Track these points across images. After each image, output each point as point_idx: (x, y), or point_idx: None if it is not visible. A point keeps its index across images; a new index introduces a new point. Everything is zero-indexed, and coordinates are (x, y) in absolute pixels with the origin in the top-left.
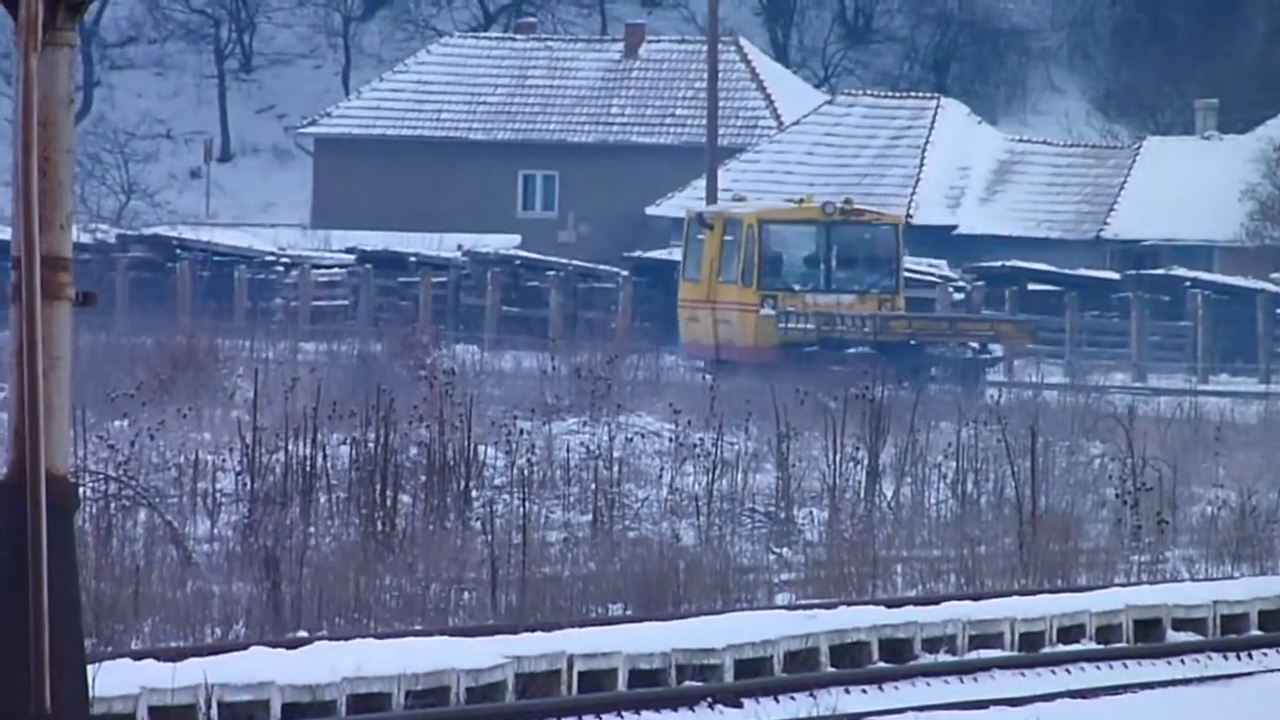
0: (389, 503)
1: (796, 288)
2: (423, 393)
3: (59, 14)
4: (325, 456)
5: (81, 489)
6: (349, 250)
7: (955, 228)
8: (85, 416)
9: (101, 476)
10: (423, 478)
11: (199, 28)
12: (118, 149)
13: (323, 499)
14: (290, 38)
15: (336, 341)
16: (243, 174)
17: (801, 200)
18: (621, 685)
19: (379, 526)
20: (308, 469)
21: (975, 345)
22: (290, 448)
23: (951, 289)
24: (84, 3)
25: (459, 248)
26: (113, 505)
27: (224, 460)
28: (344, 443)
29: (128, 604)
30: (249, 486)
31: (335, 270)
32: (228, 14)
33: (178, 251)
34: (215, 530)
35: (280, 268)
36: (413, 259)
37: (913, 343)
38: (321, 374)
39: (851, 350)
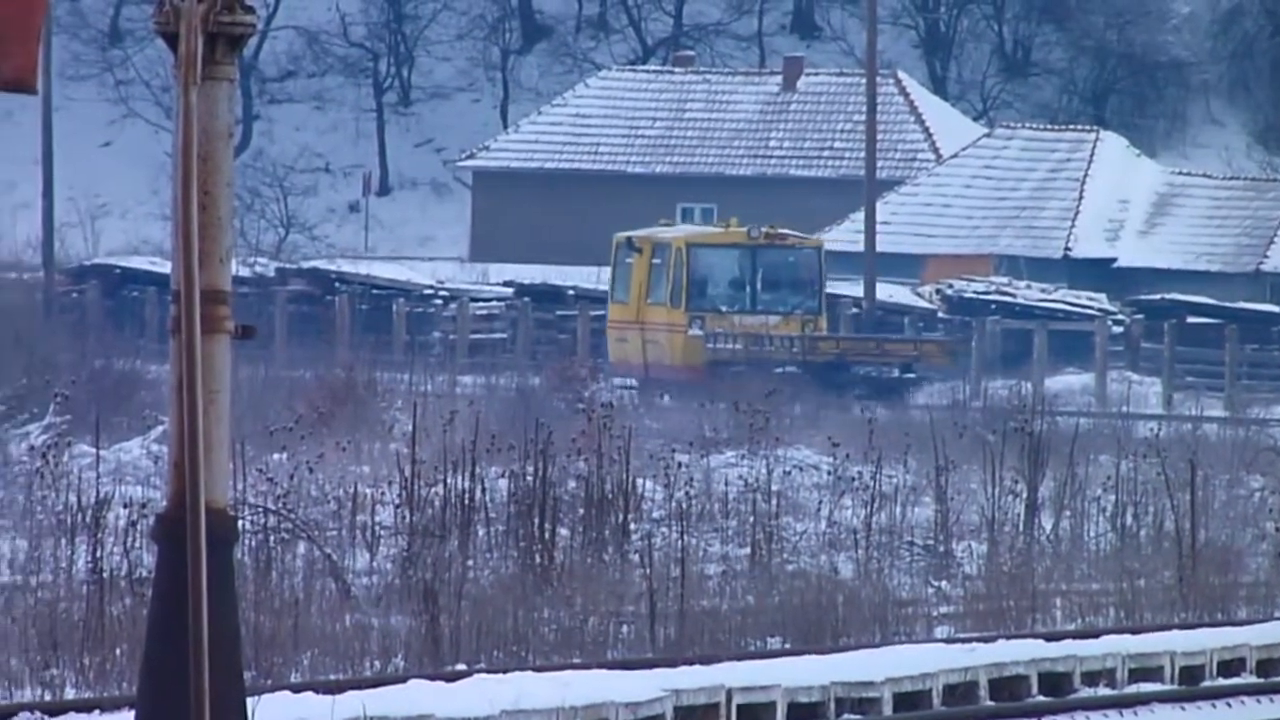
0: (547, 536)
1: (723, 309)
2: (581, 426)
3: (218, 48)
4: (484, 490)
5: (241, 522)
6: (506, 283)
7: (1114, 261)
8: (245, 450)
9: (261, 510)
10: (581, 511)
11: (358, 61)
12: (277, 183)
13: (481, 532)
14: (449, 71)
15: (494, 375)
16: (401, 207)
17: (728, 224)
18: (780, 719)
19: (537, 559)
20: (466, 502)
21: (898, 366)
22: (449, 481)
23: (1110, 322)
24: (243, 37)
25: None
26: (272, 538)
27: (383, 493)
28: (502, 476)
29: (287, 637)
30: (408, 519)
31: (493, 303)
32: (386, 48)
33: (336, 285)
34: (374, 563)
35: (438, 301)
36: (570, 292)
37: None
38: (480, 407)
39: (778, 370)
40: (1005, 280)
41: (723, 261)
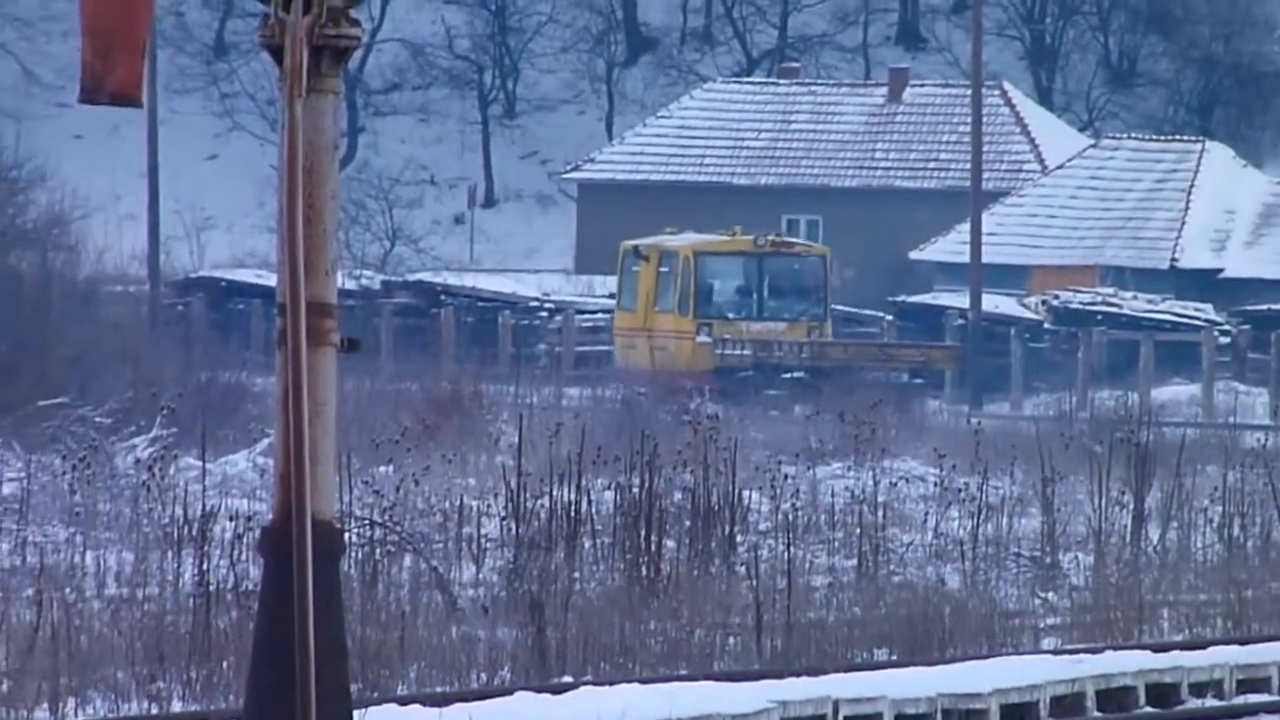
0: (653, 548)
1: (730, 316)
2: (687, 438)
3: (323, 61)
4: (590, 501)
5: (347, 534)
6: (612, 295)
7: (1221, 271)
8: (351, 462)
9: (367, 522)
10: (687, 523)
11: (462, 74)
12: (382, 195)
13: (587, 544)
14: (554, 84)
15: (600, 386)
16: (506, 219)
17: (734, 232)
18: None
19: (643, 571)
20: (572, 514)
21: (907, 371)
22: (555, 493)
23: (1217, 332)
24: (348, 50)
25: None
26: (378, 551)
27: (489, 505)
28: (608, 488)
29: (393, 649)
30: (514, 532)
31: (599, 315)
32: (491, 60)
33: (442, 297)
34: (480, 575)
35: (544, 313)
36: None
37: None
38: (585, 419)
39: (786, 375)
40: (1111, 291)
41: (729, 269)
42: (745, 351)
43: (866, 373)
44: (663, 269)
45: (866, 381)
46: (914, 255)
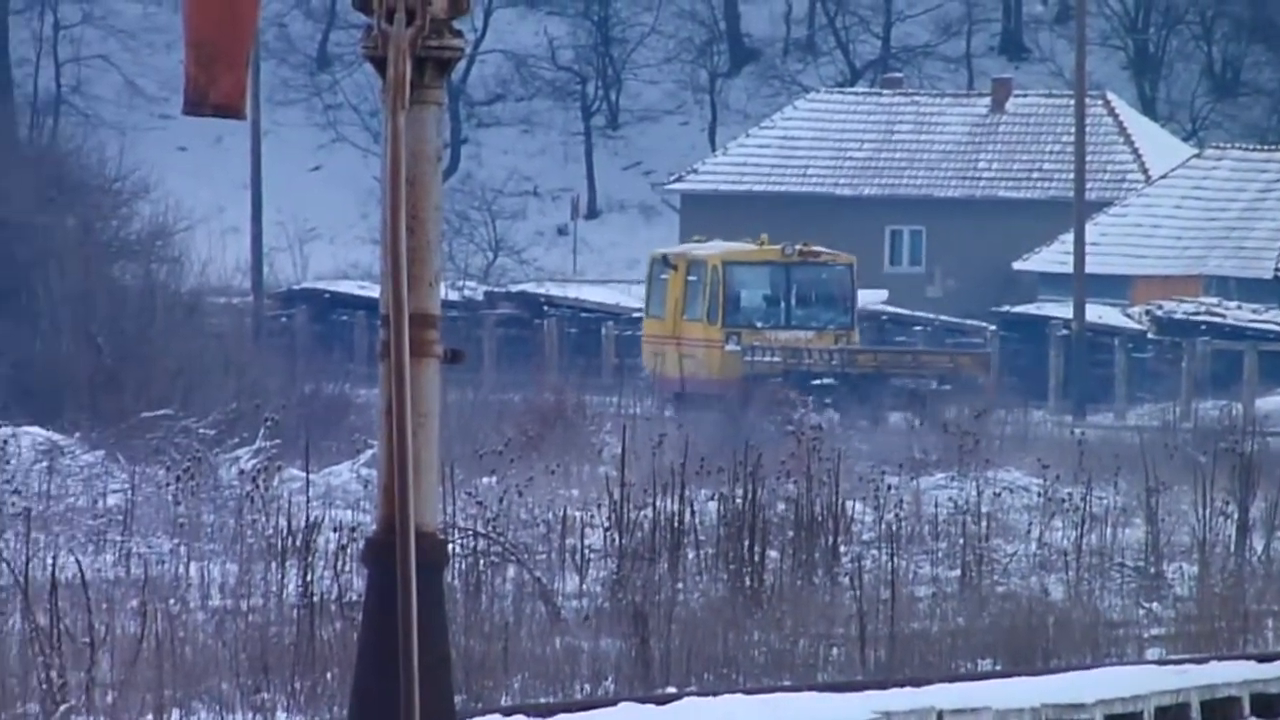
0: (757, 558)
1: (758, 324)
2: (790, 448)
3: (426, 72)
4: (693, 512)
5: (450, 545)
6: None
7: None
8: (454, 474)
9: (470, 533)
10: (790, 533)
11: (565, 85)
12: (485, 206)
13: (691, 554)
14: (657, 94)
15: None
16: (609, 230)
17: (761, 242)
18: None
19: (747, 582)
20: (676, 525)
21: (935, 378)
22: (658, 504)
23: None
24: (451, 61)
25: None
26: (482, 562)
27: (592, 516)
28: (712, 498)
29: (497, 660)
30: (617, 542)
31: None
32: (594, 71)
33: (545, 308)
34: (584, 586)
35: None
36: None
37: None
38: (689, 430)
39: (816, 382)
40: (1215, 301)
41: (757, 278)
42: (775, 359)
43: (896, 379)
44: (691, 278)
45: (894, 388)
46: (1017, 266)
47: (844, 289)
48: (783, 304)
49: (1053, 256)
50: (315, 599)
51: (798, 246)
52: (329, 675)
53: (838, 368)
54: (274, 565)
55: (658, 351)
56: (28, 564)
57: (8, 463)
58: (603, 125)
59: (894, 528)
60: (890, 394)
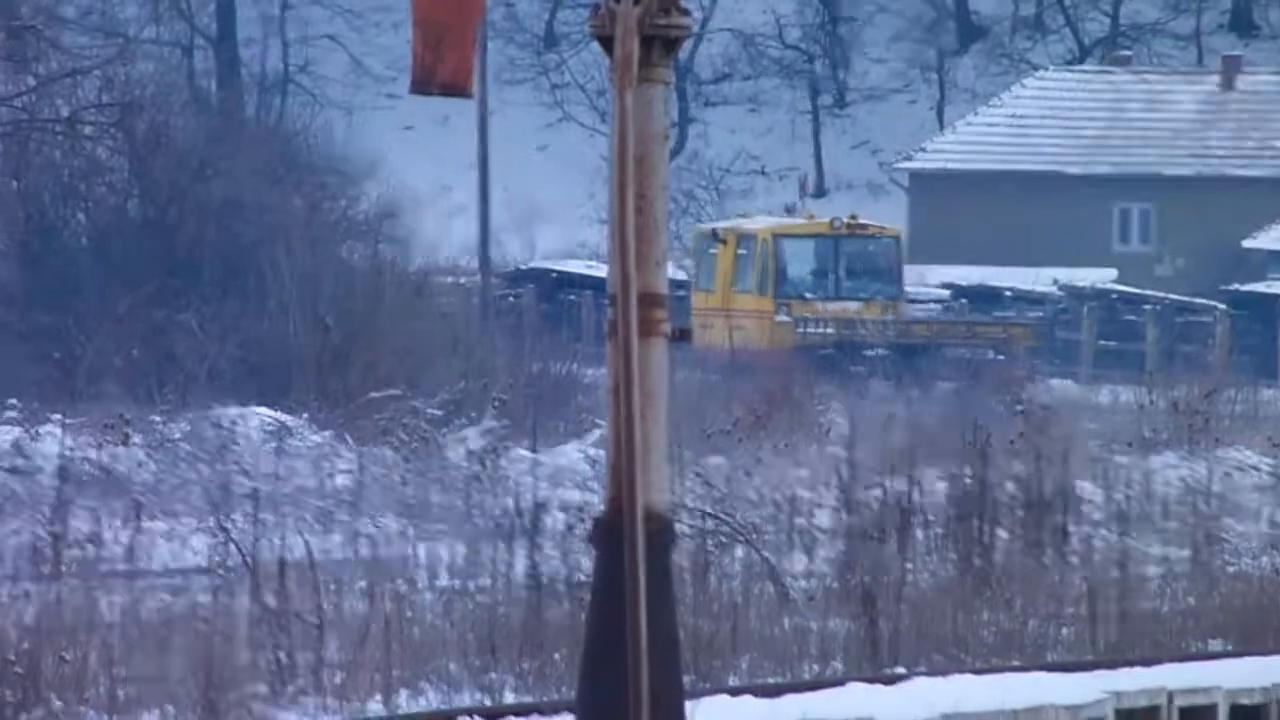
0: (986, 538)
1: (808, 295)
2: (1019, 428)
3: (654, 51)
4: (922, 492)
5: (679, 525)
6: (944, 285)
7: None
8: (682, 454)
9: (699, 513)
10: (1019, 513)
11: (793, 63)
12: (712, 185)
13: (919, 534)
14: (884, 73)
15: (930, 376)
16: (837, 209)
17: (810, 215)
18: None
19: (976, 562)
20: (904, 505)
21: (990, 348)
22: (887, 484)
23: None
24: (678, 40)
25: (1054, 282)
26: (710, 542)
27: (820, 496)
28: (940, 478)
29: (725, 640)
30: (845, 522)
31: (930, 305)
32: (822, 50)
33: None
34: (812, 566)
35: None
36: (1008, 293)
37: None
38: (917, 409)
39: (869, 352)
40: None
41: (806, 251)
42: (828, 330)
43: (950, 350)
44: (741, 251)
45: (950, 359)
46: (1247, 244)
47: (890, 260)
48: (831, 275)
49: None
50: (543, 579)
51: (845, 219)
52: (556, 656)
53: (891, 338)
54: (501, 545)
55: (706, 324)
56: (256, 545)
57: (236, 443)
58: (830, 104)
59: (1123, 507)
60: (945, 364)
